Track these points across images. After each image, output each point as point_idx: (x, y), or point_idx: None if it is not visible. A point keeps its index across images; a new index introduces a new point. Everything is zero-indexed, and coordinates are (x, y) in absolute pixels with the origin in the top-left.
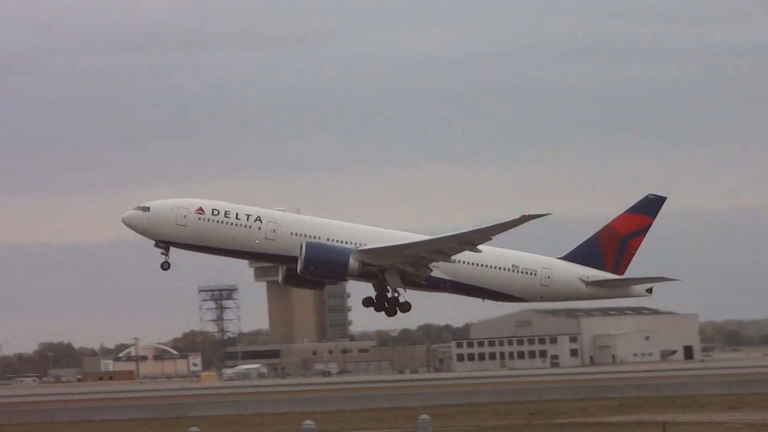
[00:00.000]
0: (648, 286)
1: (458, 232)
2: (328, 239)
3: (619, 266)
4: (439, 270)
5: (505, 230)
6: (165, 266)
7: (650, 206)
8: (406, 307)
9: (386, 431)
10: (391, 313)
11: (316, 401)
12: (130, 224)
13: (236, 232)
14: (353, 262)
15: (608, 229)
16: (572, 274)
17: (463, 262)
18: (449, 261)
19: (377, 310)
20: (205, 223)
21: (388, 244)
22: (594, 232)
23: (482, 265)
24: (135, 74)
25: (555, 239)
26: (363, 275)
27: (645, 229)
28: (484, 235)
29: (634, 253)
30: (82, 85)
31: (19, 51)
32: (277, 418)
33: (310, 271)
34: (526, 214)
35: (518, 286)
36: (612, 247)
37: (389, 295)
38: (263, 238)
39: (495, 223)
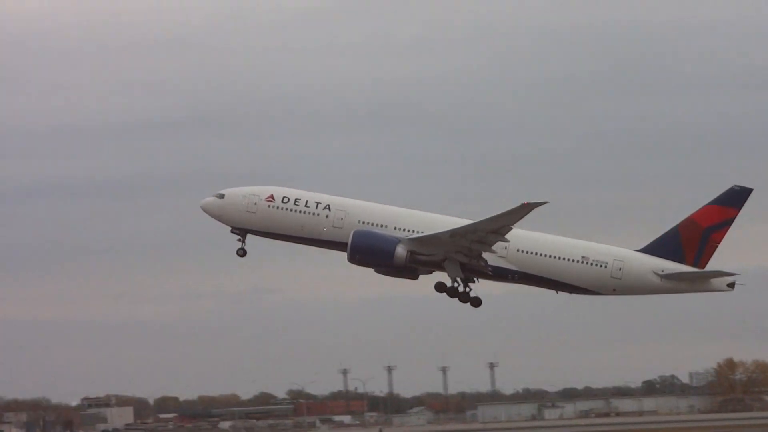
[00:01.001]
0: (729, 280)
1: (476, 221)
2: (395, 228)
3: (700, 260)
4: (506, 260)
5: (514, 221)
6: (240, 253)
7: (735, 198)
8: (463, 297)
9: None
10: (475, 304)
11: None
12: (205, 210)
13: (304, 219)
14: (401, 251)
15: (689, 221)
16: (645, 266)
17: (531, 253)
18: (491, 251)
19: (462, 301)
20: (274, 210)
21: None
22: (675, 224)
23: (550, 256)
24: None
25: None
26: (419, 264)
27: (729, 222)
28: (487, 226)
29: (716, 247)
30: None
31: None
32: None
33: (356, 259)
34: (525, 202)
35: (588, 278)
36: (693, 239)
37: (451, 285)
38: (331, 226)
39: (497, 214)
